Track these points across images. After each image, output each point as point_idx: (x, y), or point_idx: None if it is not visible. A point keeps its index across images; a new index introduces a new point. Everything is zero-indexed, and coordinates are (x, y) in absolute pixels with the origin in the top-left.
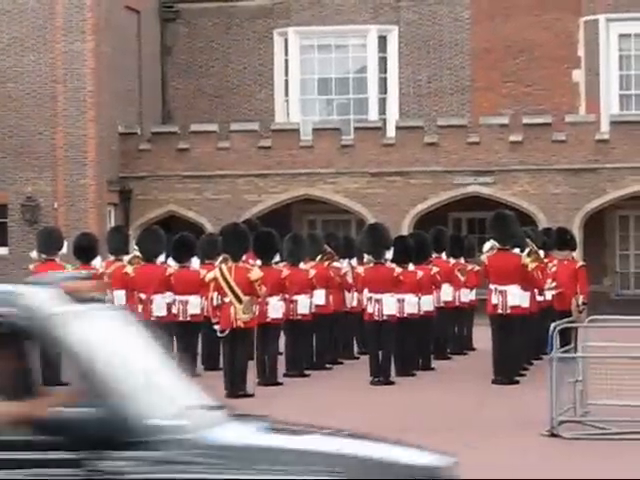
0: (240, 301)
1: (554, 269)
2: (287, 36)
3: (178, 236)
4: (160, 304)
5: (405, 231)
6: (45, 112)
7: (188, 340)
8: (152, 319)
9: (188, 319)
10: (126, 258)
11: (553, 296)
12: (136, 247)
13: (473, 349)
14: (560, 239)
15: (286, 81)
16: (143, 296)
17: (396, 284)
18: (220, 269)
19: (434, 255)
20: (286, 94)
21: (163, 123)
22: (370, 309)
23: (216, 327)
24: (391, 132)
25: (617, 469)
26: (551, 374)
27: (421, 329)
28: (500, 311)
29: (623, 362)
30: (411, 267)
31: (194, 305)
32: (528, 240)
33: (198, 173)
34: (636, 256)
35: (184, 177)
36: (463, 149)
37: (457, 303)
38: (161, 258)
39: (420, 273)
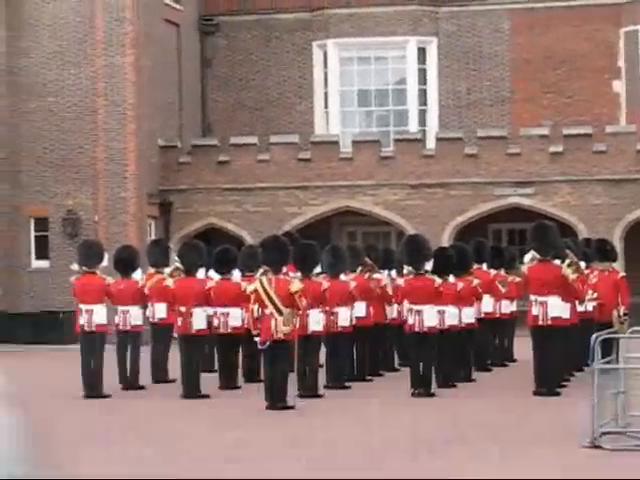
0: (280, 313)
1: (595, 280)
2: (326, 48)
3: (220, 248)
4: (200, 317)
5: (445, 243)
6: (86, 125)
7: (229, 352)
8: (192, 333)
9: (229, 331)
10: (166, 271)
11: (594, 307)
12: (177, 259)
13: (514, 360)
14: (600, 250)
15: (326, 93)
16: (183, 309)
17: (437, 296)
18: (260, 281)
19: (475, 266)
20: (326, 106)
21: (203, 136)
22: (411, 320)
23: (257, 339)
24: (431, 144)
25: None
26: (593, 385)
27: (462, 341)
28: (541, 322)
29: None
30: (452, 279)
31: (235, 317)
32: (568, 251)
33: (238, 186)
34: None
35: (224, 190)
36: (503, 160)
37: (498, 314)
38: (201, 271)
39: (461, 285)
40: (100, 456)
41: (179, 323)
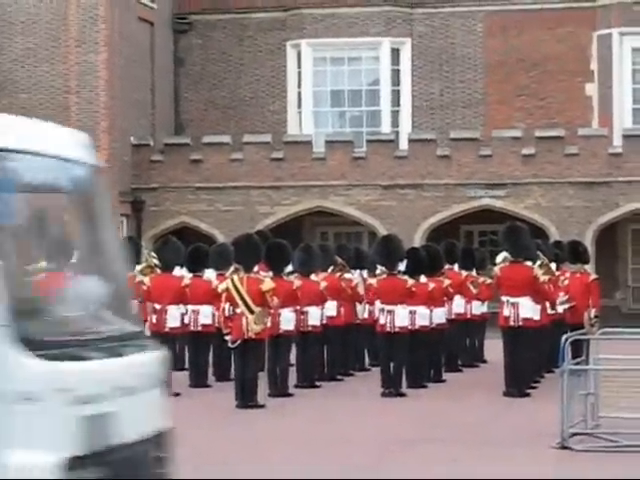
0: (252, 312)
1: (566, 282)
2: (300, 48)
3: (193, 246)
4: (174, 315)
5: (417, 244)
6: (58, 123)
7: (199, 350)
8: (165, 330)
9: (199, 329)
10: (137, 268)
11: (565, 310)
12: (154, 255)
13: (484, 361)
14: (573, 252)
15: (299, 93)
16: (158, 307)
17: (408, 296)
18: (232, 280)
19: (446, 267)
20: (299, 106)
21: (176, 134)
22: (382, 320)
23: (227, 338)
24: (404, 145)
25: None
26: (562, 386)
27: (432, 341)
28: (512, 323)
29: (634, 375)
30: (423, 279)
31: (206, 315)
32: (539, 253)
33: (210, 184)
34: None
35: (196, 188)
36: (476, 162)
37: (469, 315)
38: (177, 269)
39: (432, 285)
40: None
41: (153, 320)
